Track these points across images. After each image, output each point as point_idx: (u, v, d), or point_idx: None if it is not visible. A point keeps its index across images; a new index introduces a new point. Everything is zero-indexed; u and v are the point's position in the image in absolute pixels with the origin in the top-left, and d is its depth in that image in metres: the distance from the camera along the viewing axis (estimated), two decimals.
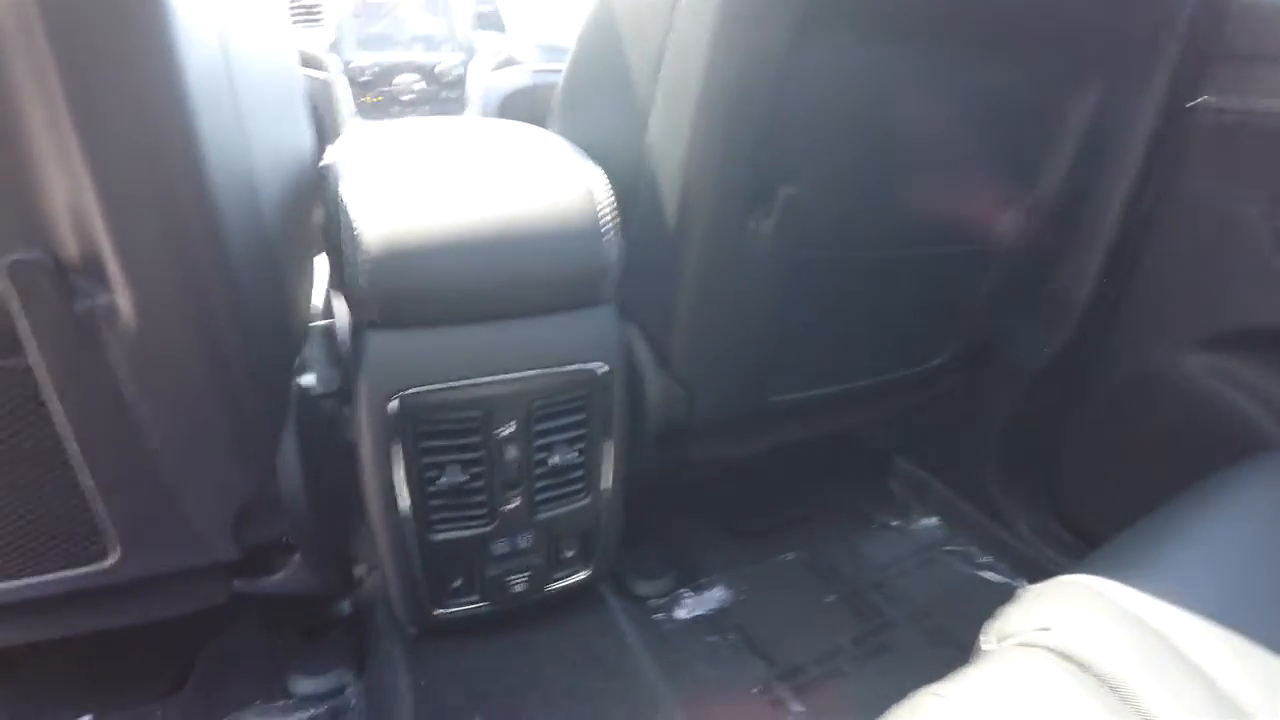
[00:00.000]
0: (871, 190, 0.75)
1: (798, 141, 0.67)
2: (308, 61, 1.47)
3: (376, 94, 1.52)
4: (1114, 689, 0.45)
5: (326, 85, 1.46)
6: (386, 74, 1.51)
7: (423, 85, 1.53)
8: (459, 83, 1.56)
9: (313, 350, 1.01)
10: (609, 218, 0.67)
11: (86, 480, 0.58)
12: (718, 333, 0.78)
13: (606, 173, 0.71)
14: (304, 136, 0.83)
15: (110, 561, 0.65)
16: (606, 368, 0.71)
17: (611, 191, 0.70)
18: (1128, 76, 0.82)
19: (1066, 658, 0.47)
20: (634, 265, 0.80)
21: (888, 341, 0.92)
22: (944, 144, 0.76)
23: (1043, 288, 1.01)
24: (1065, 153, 0.84)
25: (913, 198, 0.78)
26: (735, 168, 0.66)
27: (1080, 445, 1.07)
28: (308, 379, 0.97)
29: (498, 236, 0.62)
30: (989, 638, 0.53)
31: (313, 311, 0.98)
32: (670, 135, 0.68)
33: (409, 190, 0.63)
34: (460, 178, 0.65)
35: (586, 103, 0.91)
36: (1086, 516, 1.08)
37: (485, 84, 1.56)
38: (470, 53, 1.58)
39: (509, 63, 1.60)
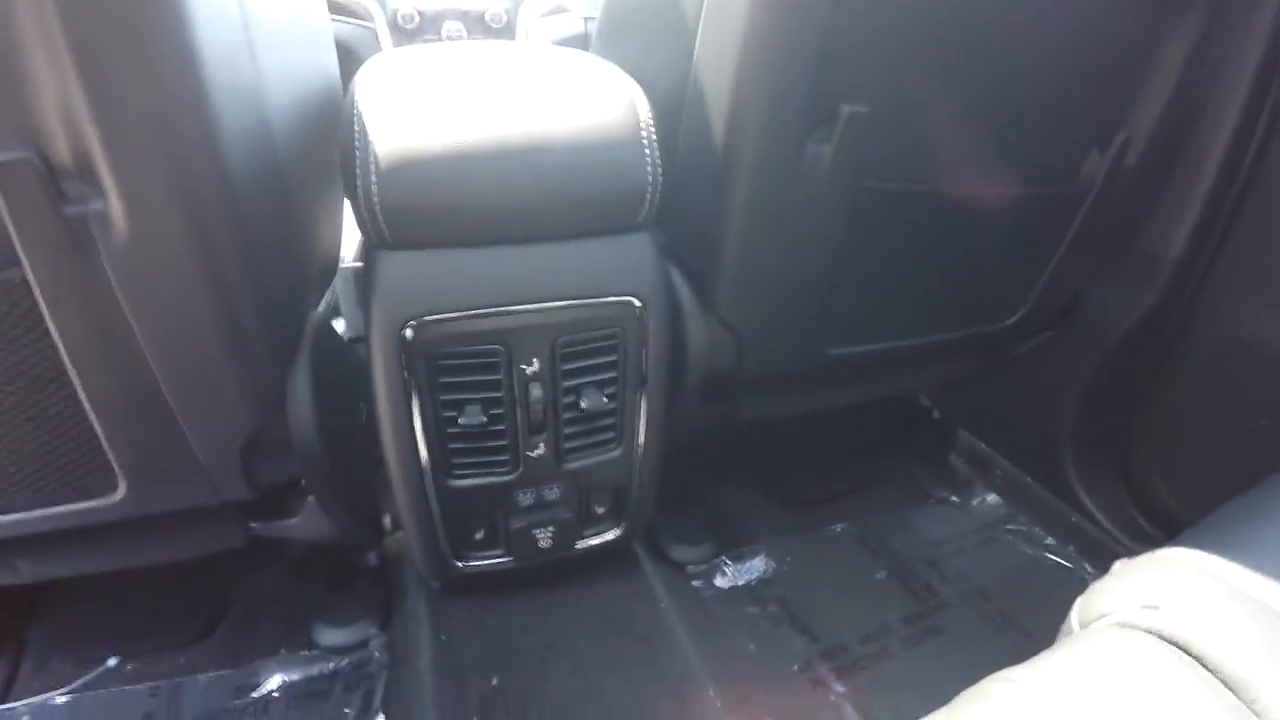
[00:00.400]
0: (944, 115, 0.66)
1: (865, 53, 0.59)
2: (351, 10, 1.45)
3: (422, 42, 1.49)
4: (1231, 683, 0.38)
5: (371, 34, 1.44)
6: (432, 22, 1.48)
7: (469, 33, 1.50)
8: (507, 29, 1.52)
9: (346, 294, 0.98)
10: (649, 131, 0.60)
11: (86, 404, 0.55)
12: (768, 274, 0.71)
13: (650, 101, 0.65)
14: (328, 77, 0.79)
15: (118, 496, 0.62)
16: (640, 303, 0.64)
17: (653, 114, 0.63)
18: (1232, 6, 0.72)
19: (1175, 643, 0.39)
20: (676, 199, 0.73)
21: (957, 295, 0.84)
22: (1025, 68, 0.67)
23: (1130, 242, 0.91)
24: (1160, 89, 0.74)
25: (989, 127, 0.70)
26: (792, 81, 0.59)
27: (1165, 420, 0.97)
28: (338, 324, 0.94)
29: (525, 146, 0.56)
30: (1075, 618, 0.45)
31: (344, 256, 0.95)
32: (719, 48, 0.61)
33: (428, 101, 0.58)
34: (486, 90, 0.59)
35: (627, 30, 0.84)
36: (1166, 498, 0.98)
37: (535, 31, 1.52)
38: None
39: (559, 10, 1.55)
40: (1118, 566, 0.48)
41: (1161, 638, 0.40)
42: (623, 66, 0.69)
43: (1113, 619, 0.42)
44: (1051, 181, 0.78)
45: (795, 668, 0.87)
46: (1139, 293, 0.92)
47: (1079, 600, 0.46)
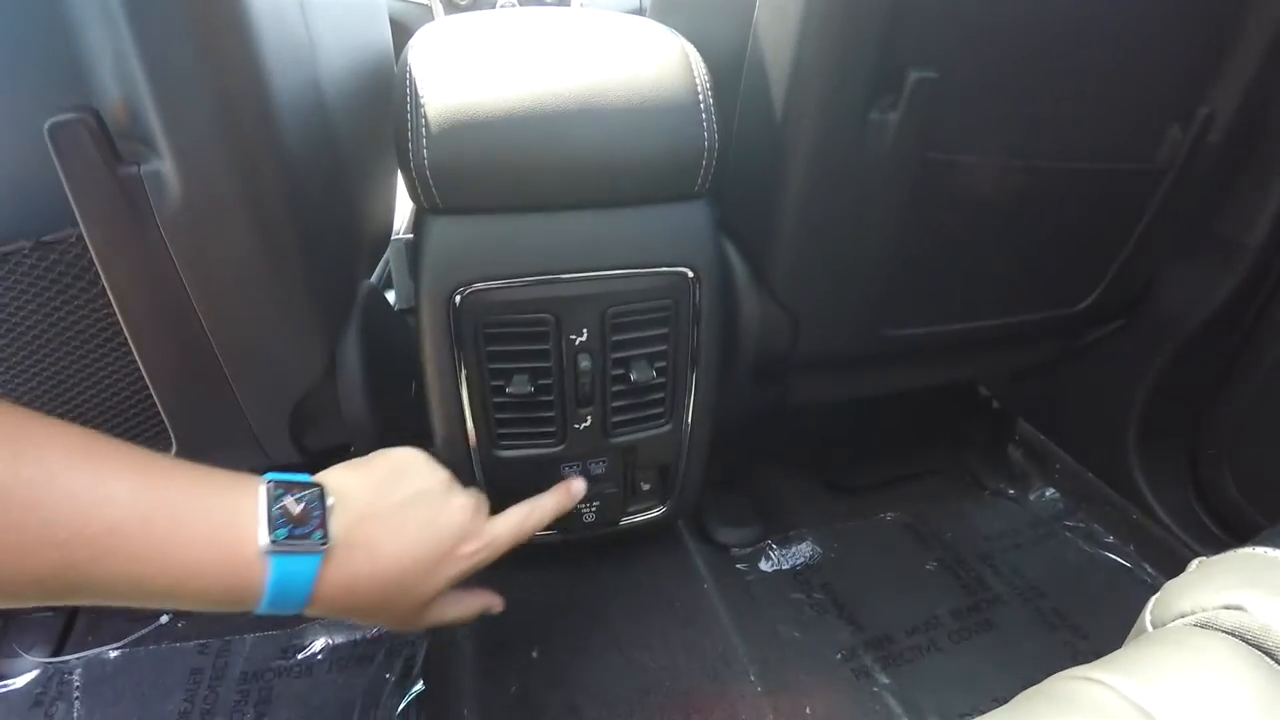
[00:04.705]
0: (1015, 83, 0.63)
1: (936, 13, 0.56)
2: None
3: None
4: None
5: (426, 10, 1.45)
6: None
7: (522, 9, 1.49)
8: (562, 4, 1.51)
9: (398, 265, 0.98)
10: (706, 94, 0.58)
11: (141, 366, 0.56)
12: (827, 250, 0.68)
13: (708, 68, 0.63)
14: (381, 48, 0.78)
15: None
16: (694, 274, 0.63)
17: (710, 81, 0.61)
18: None
19: (1261, 647, 0.36)
20: (733, 171, 0.71)
21: (1025, 276, 0.80)
22: (1105, 33, 0.62)
23: (1209, 226, 0.85)
24: (1246, 59, 0.69)
25: (1064, 97, 0.65)
26: (858, 43, 0.56)
27: (1238, 417, 0.91)
28: (390, 296, 0.95)
29: (577, 107, 0.54)
30: (1149, 617, 0.43)
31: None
32: (781, 9, 0.59)
33: (479, 64, 0.56)
34: (538, 53, 0.58)
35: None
36: (1236, 499, 0.93)
37: (590, 3, 1.51)
38: None
39: None
40: (1195, 565, 0.45)
41: (1246, 640, 0.37)
42: (680, 32, 0.67)
43: (1192, 619, 0.39)
44: (1128, 157, 0.73)
45: (839, 656, 0.85)
46: (1217, 281, 0.87)
47: (1154, 598, 0.43)
